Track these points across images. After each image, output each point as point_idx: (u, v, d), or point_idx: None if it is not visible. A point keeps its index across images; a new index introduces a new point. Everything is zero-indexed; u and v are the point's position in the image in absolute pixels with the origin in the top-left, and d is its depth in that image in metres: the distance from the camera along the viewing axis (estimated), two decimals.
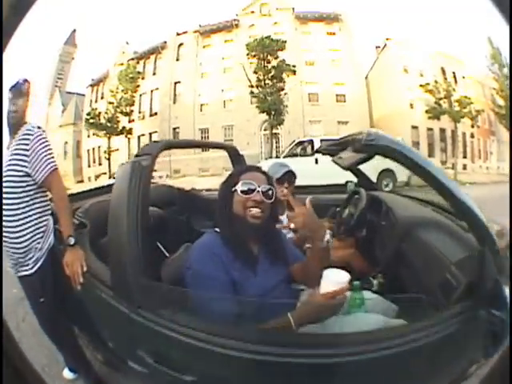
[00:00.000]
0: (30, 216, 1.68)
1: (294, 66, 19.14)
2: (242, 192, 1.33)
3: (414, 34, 23.82)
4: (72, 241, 1.64)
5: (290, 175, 2.20)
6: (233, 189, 1.36)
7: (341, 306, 1.14)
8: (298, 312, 1.17)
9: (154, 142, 1.68)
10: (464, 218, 1.22)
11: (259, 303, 1.27)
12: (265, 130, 22.00)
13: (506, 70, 18.87)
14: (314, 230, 1.24)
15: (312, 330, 1.17)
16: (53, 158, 1.71)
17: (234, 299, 1.24)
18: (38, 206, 1.72)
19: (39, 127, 1.71)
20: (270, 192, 1.37)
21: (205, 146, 2.55)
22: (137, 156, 1.47)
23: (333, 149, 2.10)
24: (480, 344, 1.09)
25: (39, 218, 1.72)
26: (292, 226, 1.21)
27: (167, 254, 1.86)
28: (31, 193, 1.69)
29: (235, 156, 2.56)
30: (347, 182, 2.90)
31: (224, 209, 1.37)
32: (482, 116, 20.88)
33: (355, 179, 2.90)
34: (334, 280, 1.11)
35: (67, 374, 1.99)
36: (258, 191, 1.33)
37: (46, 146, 1.70)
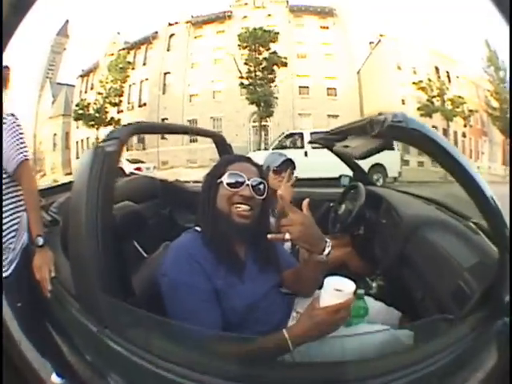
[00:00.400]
0: (3, 213, 1.52)
1: (285, 58, 19.16)
2: (229, 185, 1.14)
3: (409, 32, 23.76)
4: (40, 241, 1.45)
5: (288, 164, 2.02)
6: (218, 180, 1.17)
7: (344, 321, 0.96)
8: (296, 329, 0.98)
9: (125, 125, 1.46)
10: (489, 220, 1.05)
11: (247, 315, 1.09)
12: (254, 121, 22.05)
13: (503, 73, 19.04)
14: (312, 242, 1.05)
15: (310, 346, 0.99)
16: (24, 147, 1.54)
17: (217, 311, 1.06)
18: (10, 201, 1.55)
19: (13, 115, 1.54)
20: (262, 186, 1.19)
21: (186, 132, 2.24)
22: (104, 141, 1.25)
23: (330, 138, 1.92)
24: (491, 354, 0.94)
25: (11, 215, 1.55)
26: (287, 236, 1.00)
27: (145, 254, 1.67)
28: (3, 187, 1.52)
29: (222, 145, 2.35)
30: (341, 176, 2.73)
31: (207, 204, 1.17)
32: (474, 116, 20.99)
33: (345, 172, 2.76)
34: (337, 291, 0.93)
35: (55, 378, 1.86)
36: (248, 184, 1.14)
37: (18, 135, 1.52)
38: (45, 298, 1.43)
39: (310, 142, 2.64)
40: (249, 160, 1.26)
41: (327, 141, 2.08)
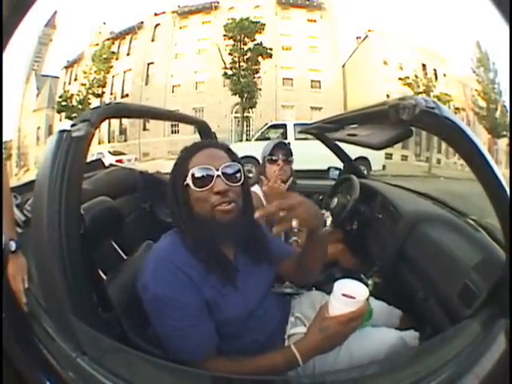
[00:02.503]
0: None
1: (270, 49, 19.00)
2: (197, 185, 0.94)
3: (398, 29, 23.91)
4: (13, 246, 1.23)
5: (280, 148, 1.80)
6: (184, 183, 0.97)
7: (355, 330, 0.85)
8: (305, 343, 0.87)
9: (97, 107, 1.26)
10: (505, 223, 0.97)
11: (242, 325, 0.97)
12: (236, 112, 22.07)
13: (493, 75, 19.25)
14: (317, 218, 0.94)
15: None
16: None
17: (210, 326, 0.93)
18: None
19: None
20: (235, 171, 0.99)
21: (167, 117, 2.03)
22: (72, 125, 1.08)
23: (325, 128, 1.79)
24: (492, 353, 0.87)
25: None
26: (294, 224, 0.87)
27: (124, 256, 1.51)
28: None
29: (206, 133, 2.19)
30: (329, 168, 2.62)
31: (180, 212, 0.98)
32: (460, 114, 21.01)
33: (330, 164, 2.65)
34: (348, 297, 0.83)
35: None
36: (218, 176, 0.94)
37: None
38: (22, 312, 1.25)
39: (301, 132, 2.51)
40: (212, 144, 1.05)
41: (320, 130, 1.97)
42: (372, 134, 1.09)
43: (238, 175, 0.99)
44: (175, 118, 2.18)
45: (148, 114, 1.84)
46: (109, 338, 0.92)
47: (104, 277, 1.26)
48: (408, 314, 1.35)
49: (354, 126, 1.36)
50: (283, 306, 1.16)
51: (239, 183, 0.99)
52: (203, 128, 2.19)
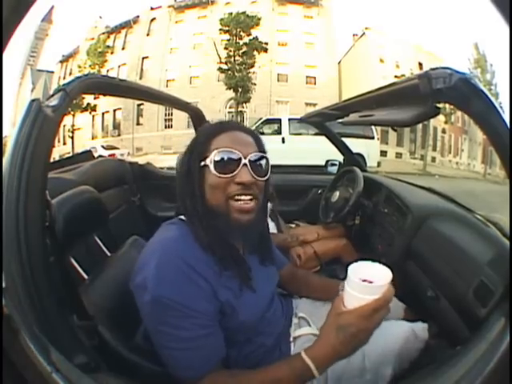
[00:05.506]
0: None
1: (266, 44, 19.01)
2: (218, 169, 0.79)
3: (396, 27, 24.08)
4: None
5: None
6: (202, 163, 0.82)
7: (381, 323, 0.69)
8: (320, 349, 0.71)
9: (77, 77, 1.10)
10: None
11: (252, 329, 0.86)
12: (230, 107, 22.04)
13: (490, 76, 19.39)
14: None
15: None
16: None
17: (220, 335, 0.79)
18: None
19: None
20: (264, 163, 0.86)
21: (156, 98, 1.81)
22: (48, 98, 0.92)
23: (330, 115, 1.69)
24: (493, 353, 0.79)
25: None
26: None
27: (108, 252, 1.38)
28: None
29: (199, 121, 2.07)
30: (327, 162, 2.52)
31: (193, 198, 0.82)
32: (455, 114, 21.17)
33: (326, 160, 2.57)
34: (368, 283, 0.67)
35: None
36: (245, 164, 0.80)
37: None
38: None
39: (301, 121, 2.41)
40: (240, 127, 0.89)
41: (324, 118, 1.86)
42: (393, 113, 0.99)
43: (265, 168, 0.86)
44: (166, 99, 2.00)
45: (135, 92, 1.66)
46: (85, 351, 0.78)
47: (86, 277, 1.14)
48: (412, 307, 1.28)
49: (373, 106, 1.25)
50: (286, 305, 1.05)
51: (265, 177, 0.85)
52: (196, 116, 2.07)
